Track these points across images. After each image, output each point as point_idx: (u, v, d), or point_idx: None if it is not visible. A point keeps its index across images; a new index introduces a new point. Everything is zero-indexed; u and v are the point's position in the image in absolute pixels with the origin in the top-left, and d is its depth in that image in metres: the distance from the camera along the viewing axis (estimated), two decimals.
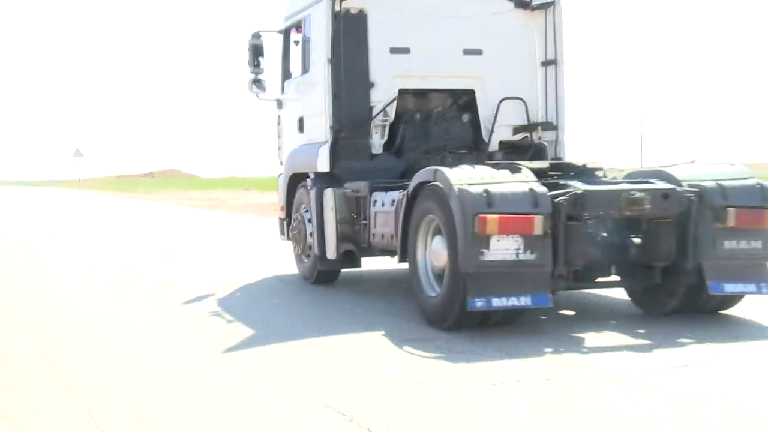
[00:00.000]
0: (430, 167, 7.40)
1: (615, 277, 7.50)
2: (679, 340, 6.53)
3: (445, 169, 7.08)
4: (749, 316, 7.45)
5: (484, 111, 9.63)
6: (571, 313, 7.88)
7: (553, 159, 9.46)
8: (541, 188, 6.82)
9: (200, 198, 42.10)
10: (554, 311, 7.63)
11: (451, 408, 4.87)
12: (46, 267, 12.54)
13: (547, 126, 9.72)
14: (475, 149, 9.62)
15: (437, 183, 7.08)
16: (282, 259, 11.44)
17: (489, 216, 6.56)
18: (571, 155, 9.72)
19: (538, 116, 9.74)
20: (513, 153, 9.57)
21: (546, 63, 9.76)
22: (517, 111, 9.67)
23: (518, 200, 6.69)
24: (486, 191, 6.69)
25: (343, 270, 9.91)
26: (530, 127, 9.71)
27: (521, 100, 9.65)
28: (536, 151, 9.67)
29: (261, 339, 6.92)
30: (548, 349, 6.26)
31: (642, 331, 6.93)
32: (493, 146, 9.66)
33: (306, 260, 10.00)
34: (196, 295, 9.27)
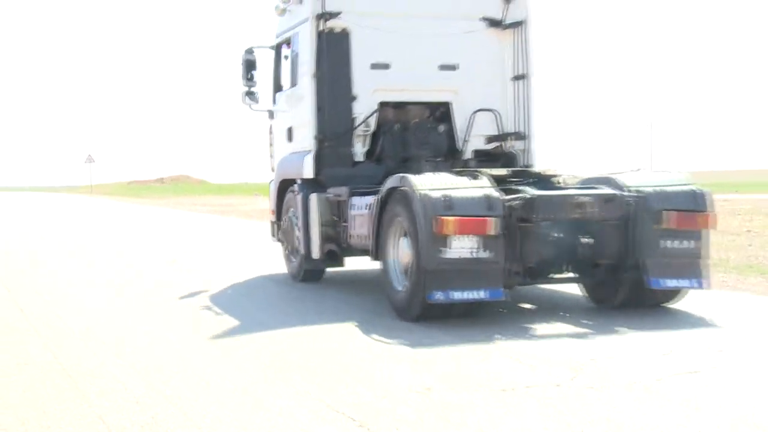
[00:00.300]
0: (398, 174, 8.16)
1: (570, 274, 8.27)
2: (690, 345, 6.63)
3: (411, 176, 7.85)
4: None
5: (459, 122, 10.39)
6: (585, 319, 7.90)
7: (523, 166, 10.20)
8: (495, 193, 7.59)
9: (211, 204, 42.54)
10: (560, 312, 8.12)
11: (461, 414, 4.89)
12: (58, 272, 12.66)
13: (518, 136, 10.46)
14: (450, 157, 10.36)
15: (404, 188, 7.85)
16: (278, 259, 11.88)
17: (448, 218, 7.33)
18: (542, 163, 10.47)
19: (509, 127, 10.49)
20: (486, 161, 10.33)
21: (516, 77, 10.50)
22: (489, 122, 10.45)
23: (474, 204, 7.45)
24: (445, 196, 7.46)
25: (329, 269, 10.66)
26: (502, 137, 10.47)
27: (493, 112, 10.42)
28: (508, 159, 10.43)
29: (265, 341, 7.08)
30: (558, 355, 6.31)
31: (651, 333, 7.12)
32: (468, 155, 10.43)
33: (294, 260, 10.78)
34: (203, 297, 9.64)
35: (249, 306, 9.17)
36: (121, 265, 13.38)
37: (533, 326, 7.54)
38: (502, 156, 10.48)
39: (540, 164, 10.39)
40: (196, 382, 5.73)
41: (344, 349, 6.71)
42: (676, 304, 8.29)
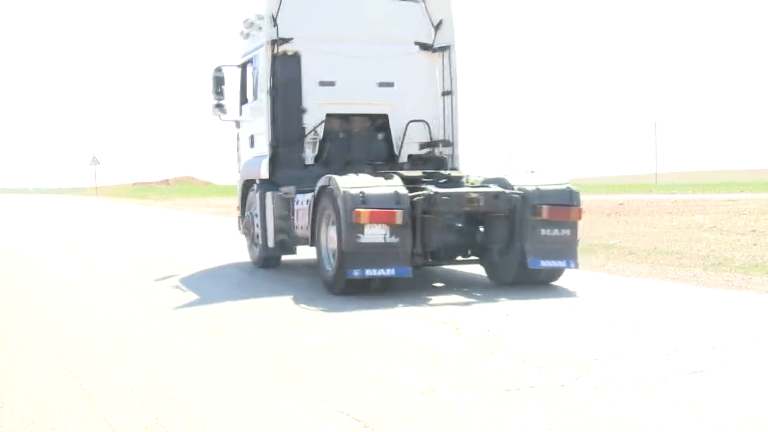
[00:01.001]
0: (327, 175, 9.93)
1: (472, 257, 10.08)
2: (694, 344, 6.62)
3: (336, 177, 9.63)
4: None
5: (395, 131, 12.19)
6: (586, 317, 8.02)
7: (450, 169, 11.97)
8: (403, 190, 9.38)
9: (216, 204, 43.09)
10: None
11: (466, 414, 4.89)
12: (64, 274, 12.65)
13: (445, 143, 12.23)
14: (389, 161, 12.13)
15: (331, 187, 9.63)
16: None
17: (363, 210, 9.12)
18: (466, 166, 12.28)
19: (438, 135, 12.26)
20: (420, 164, 12.09)
21: (444, 93, 12.29)
22: (421, 131, 12.24)
23: (385, 199, 9.25)
24: (362, 192, 9.25)
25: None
26: (432, 144, 12.25)
27: (425, 122, 12.20)
28: (438, 163, 12.18)
29: (270, 341, 7.13)
30: (562, 355, 6.32)
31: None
32: (403, 159, 12.21)
33: (255, 249, 12.61)
34: (205, 295, 9.96)
35: (244, 298, 9.59)
36: (126, 266, 13.62)
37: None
38: (433, 160, 12.22)
39: (464, 167, 12.18)
40: (200, 382, 5.79)
41: (345, 349, 6.76)
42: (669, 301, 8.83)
